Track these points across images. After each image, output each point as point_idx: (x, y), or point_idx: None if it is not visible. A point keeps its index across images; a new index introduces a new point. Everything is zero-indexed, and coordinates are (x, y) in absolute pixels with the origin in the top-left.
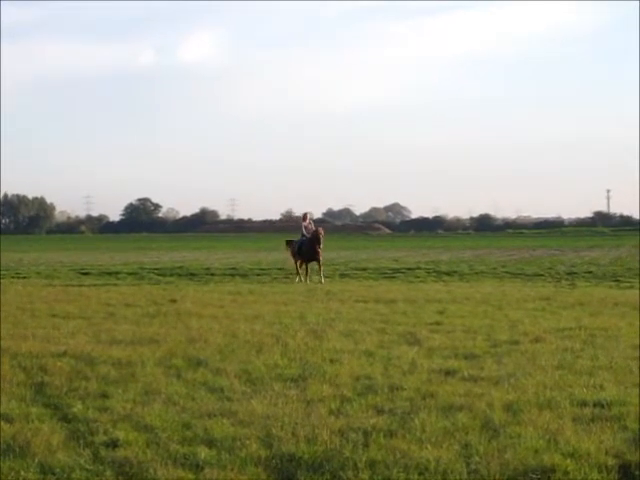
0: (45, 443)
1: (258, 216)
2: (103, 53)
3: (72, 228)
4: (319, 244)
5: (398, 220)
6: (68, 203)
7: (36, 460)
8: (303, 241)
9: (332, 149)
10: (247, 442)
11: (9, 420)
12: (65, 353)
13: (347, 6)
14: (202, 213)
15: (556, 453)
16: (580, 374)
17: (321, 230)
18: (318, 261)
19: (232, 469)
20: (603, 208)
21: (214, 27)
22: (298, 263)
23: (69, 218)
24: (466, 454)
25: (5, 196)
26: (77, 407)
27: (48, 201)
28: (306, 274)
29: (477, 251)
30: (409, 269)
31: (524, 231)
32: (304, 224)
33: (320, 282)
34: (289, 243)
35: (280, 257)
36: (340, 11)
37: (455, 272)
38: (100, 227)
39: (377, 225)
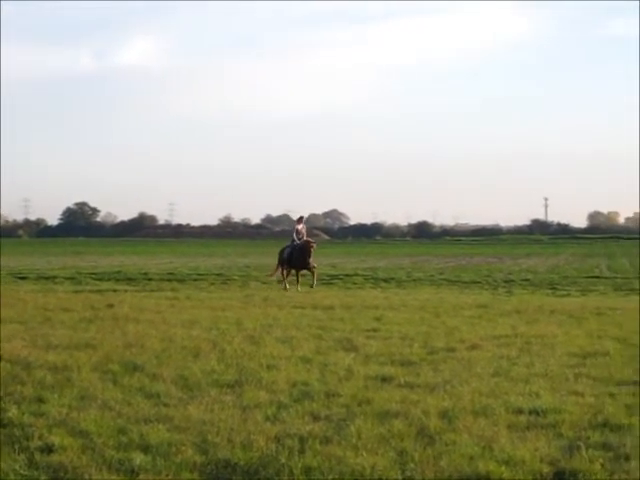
0: None
1: (196, 221)
2: (41, 58)
3: (9, 232)
4: (309, 256)
5: (336, 226)
6: (5, 207)
7: None
8: (294, 248)
9: (271, 154)
10: (183, 448)
11: None
12: (0, 357)
13: (292, 11)
14: (140, 218)
15: (491, 460)
16: (516, 381)
17: (313, 243)
18: (310, 270)
19: (167, 474)
20: (541, 216)
21: (155, 31)
22: (285, 272)
23: (7, 222)
24: (401, 461)
25: None
26: (12, 412)
27: None
28: (297, 282)
29: (415, 258)
30: (347, 275)
31: (462, 238)
32: (297, 228)
33: (312, 286)
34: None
35: (218, 262)
36: (283, 16)
37: (392, 279)
38: (38, 231)
39: (315, 231)
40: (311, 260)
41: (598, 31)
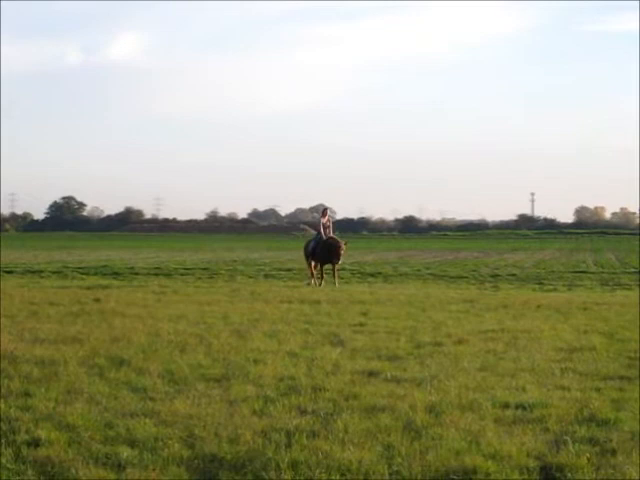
0: None
1: (183, 216)
2: (27, 52)
3: None
4: (337, 259)
5: None
6: None
7: None
8: (318, 242)
9: (258, 150)
10: (169, 442)
11: None
12: None
13: (278, 7)
14: (127, 212)
15: (478, 455)
16: (502, 376)
17: (343, 246)
18: (334, 265)
19: (154, 469)
20: (527, 211)
21: (142, 28)
22: (312, 265)
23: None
24: (388, 455)
25: None
26: None
27: None
28: (321, 277)
29: (401, 253)
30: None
31: (448, 233)
32: (323, 221)
33: (335, 284)
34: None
35: (205, 257)
36: (270, 13)
37: (379, 273)
38: (24, 225)
39: (302, 226)
40: (339, 261)
41: (583, 28)
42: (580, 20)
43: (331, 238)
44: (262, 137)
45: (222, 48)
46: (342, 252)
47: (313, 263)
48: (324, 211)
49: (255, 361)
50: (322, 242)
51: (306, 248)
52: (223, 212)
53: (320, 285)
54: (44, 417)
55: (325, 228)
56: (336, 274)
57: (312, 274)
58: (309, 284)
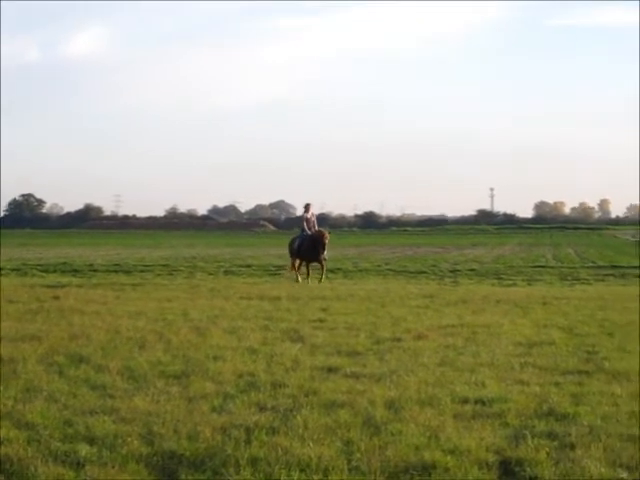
0: None
1: (143, 212)
2: None
3: None
4: (323, 249)
5: (283, 217)
6: None
7: None
8: (304, 238)
9: (218, 145)
10: (128, 439)
11: None
12: None
13: (240, 4)
14: (86, 209)
15: (437, 450)
16: (462, 371)
17: (327, 235)
18: (320, 262)
19: (113, 466)
20: (487, 206)
21: (101, 23)
22: (297, 263)
23: None
24: (347, 451)
25: None
26: None
27: None
28: (307, 275)
29: (361, 248)
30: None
31: (408, 229)
32: (306, 216)
33: (320, 281)
34: (293, 242)
35: (165, 253)
36: (230, 8)
37: (339, 269)
38: None
39: (262, 222)
40: (324, 253)
41: (547, 22)
42: (543, 15)
43: (316, 231)
44: (222, 133)
45: (185, 42)
46: (327, 241)
47: (299, 261)
48: (307, 206)
49: (214, 358)
50: (308, 237)
51: (291, 245)
52: (183, 208)
53: (308, 281)
54: (3, 415)
55: (310, 223)
56: (323, 268)
57: (295, 271)
58: (300, 279)
